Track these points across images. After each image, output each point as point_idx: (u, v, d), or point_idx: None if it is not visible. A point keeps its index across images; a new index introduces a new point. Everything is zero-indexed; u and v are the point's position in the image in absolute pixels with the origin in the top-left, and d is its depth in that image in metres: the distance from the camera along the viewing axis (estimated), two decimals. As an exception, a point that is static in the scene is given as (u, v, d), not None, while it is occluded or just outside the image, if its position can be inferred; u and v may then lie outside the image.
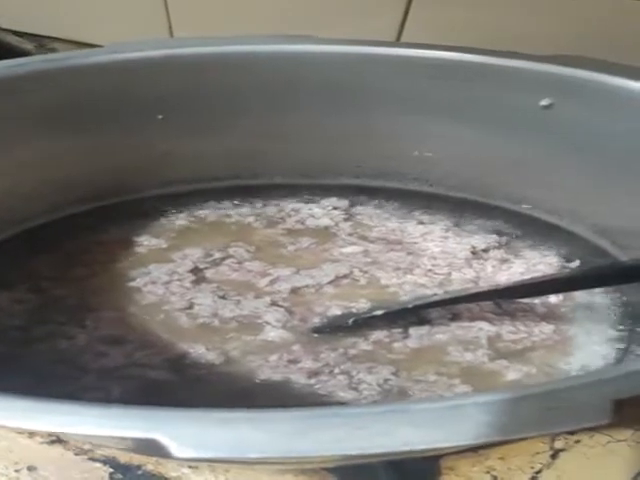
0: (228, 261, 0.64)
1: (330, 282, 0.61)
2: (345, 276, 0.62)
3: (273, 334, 0.56)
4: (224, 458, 0.33)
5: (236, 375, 0.52)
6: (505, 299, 0.59)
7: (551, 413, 0.34)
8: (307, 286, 0.61)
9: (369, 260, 0.64)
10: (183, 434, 0.33)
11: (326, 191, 0.73)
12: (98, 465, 0.46)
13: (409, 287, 0.61)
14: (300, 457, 0.34)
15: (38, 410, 0.34)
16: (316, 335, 0.56)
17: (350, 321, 0.56)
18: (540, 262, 0.64)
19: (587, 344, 0.56)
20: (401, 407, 0.35)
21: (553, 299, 0.60)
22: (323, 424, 0.34)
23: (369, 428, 0.33)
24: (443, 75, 0.69)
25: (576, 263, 0.64)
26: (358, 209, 0.72)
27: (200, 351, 0.54)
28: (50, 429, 0.34)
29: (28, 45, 1.00)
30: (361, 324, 0.56)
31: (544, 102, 0.67)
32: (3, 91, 0.66)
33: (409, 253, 0.65)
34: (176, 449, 0.32)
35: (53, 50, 0.99)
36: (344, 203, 0.72)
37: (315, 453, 0.33)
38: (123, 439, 0.34)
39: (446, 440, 0.33)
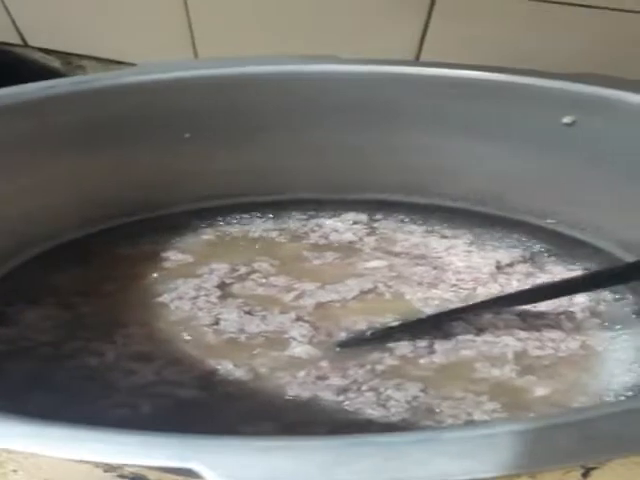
0: (254, 276, 0.64)
1: (355, 297, 0.62)
2: (370, 291, 0.62)
3: (299, 350, 0.56)
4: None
5: (265, 392, 0.52)
6: (515, 305, 0.59)
7: (590, 443, 0.34)
8: (332, 301, 0.61)
9: (394, 274, 0.64)
10: (221, 464, 0.33)
11: (349, 206, 0.74)
12: (128, 484, 0.46)
13: (434, 302, 0.61)
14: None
15: (75, 438, 0.34)
16: (341, 350, 0.56)
17: (369, 333, 0.57)
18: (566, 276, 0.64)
19: (614, 359, 0.56)
20: (435, 435, 0.35)
21: (579, 314, 0.60)
22: (359, 453, 0.33)
23: (404, 458, 0.33)
24: (465, 93, 0.70)
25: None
26: (382, 224, 0.72)
27: (228, 367, 0.54)
28: (86, 458, 0.34)
29: (55, 63, 1.01)
30: (383, 337, 0.56)
31: (566, 120, 0.67)
32: (35, 112, 0.68)
33: (434, 267, 0.65)
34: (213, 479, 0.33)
35: (80, 67, 1.00)
36: (367, 218, 0.73)
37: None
38: (160, 468, 0.34)
39: (483, 471, 0.32)
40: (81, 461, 0.34)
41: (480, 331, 0.58)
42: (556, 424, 0.35)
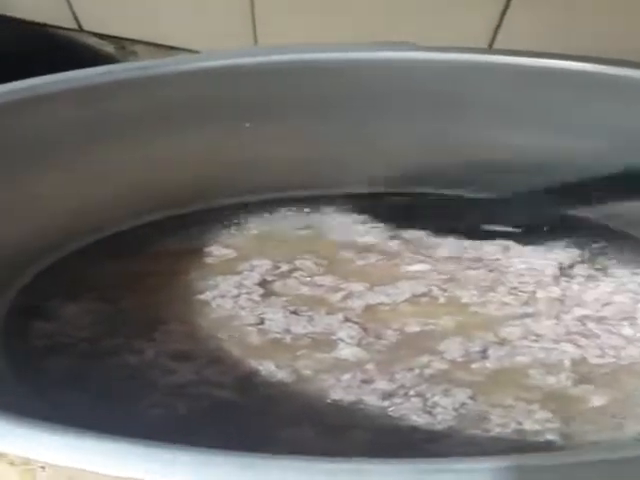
0: (296, 274, 0.62)
1: (406, 300, 0.59)
2: (423, 294, 0.60)
3: (347, 352, 0.54)
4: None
5: (307, 395, 0.51)
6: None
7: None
8: (382, 303, 0.59)
9: (446, 277, 0.62)
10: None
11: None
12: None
13: (493, 306, 0.59)
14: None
15: (121, 452, 0.33)
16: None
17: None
18: (630, 281, 0.61)
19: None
20: (511, 462, 0.33)
21: (642, 319, 0.57)
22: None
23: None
24: (551, 84, 0.67)
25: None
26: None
27: (270, 369, 0.52)
28: (137, 476, 0.33)
29: (109, 48, 1.01)
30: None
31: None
32: (88, 98, 0.67)
33: (490, 270, 0.63)
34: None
35: (134, 53, 0.99)
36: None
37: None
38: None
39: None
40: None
41: (538, 337, 0.55)
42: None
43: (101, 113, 0.67)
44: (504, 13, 0.81)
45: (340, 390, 0.51)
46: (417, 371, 0.52)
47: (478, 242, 0.66)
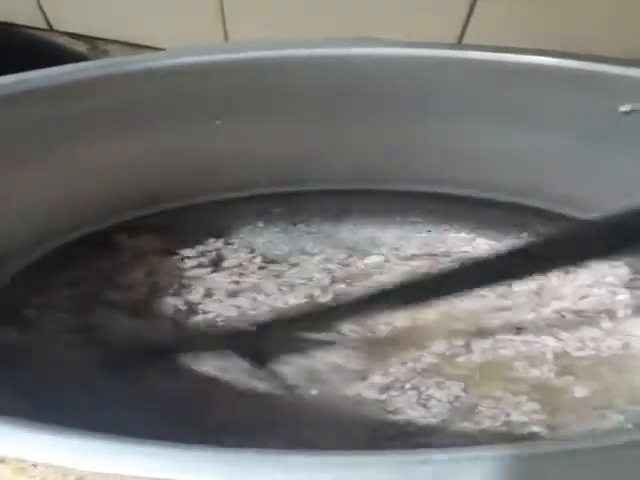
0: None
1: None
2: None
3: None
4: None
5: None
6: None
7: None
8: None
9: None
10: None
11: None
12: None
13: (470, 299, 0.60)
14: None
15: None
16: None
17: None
18: (609, 274, 0.62)
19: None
20: (497, 453, 0.33)
21: (620, 313, 0.58)
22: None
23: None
24: (515, 79, 0.67)
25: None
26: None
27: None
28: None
29: (81, 47, 1.00)
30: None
31: (624, 108, 0.64)
32: (57, 97, 0.66)
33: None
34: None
35: (106, 52, 0.98)
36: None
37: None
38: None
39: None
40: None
41: (519, 330, 0.57)
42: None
43: (71, 112, 0.66)
44: (472, 8, 0.82)
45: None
46: (410, 365, 0.54)
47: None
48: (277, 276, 0.63)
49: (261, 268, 0.64)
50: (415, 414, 0.50)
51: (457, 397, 0.51)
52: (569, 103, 0.66)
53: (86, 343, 0.56)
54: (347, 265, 0.64)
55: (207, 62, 0.70)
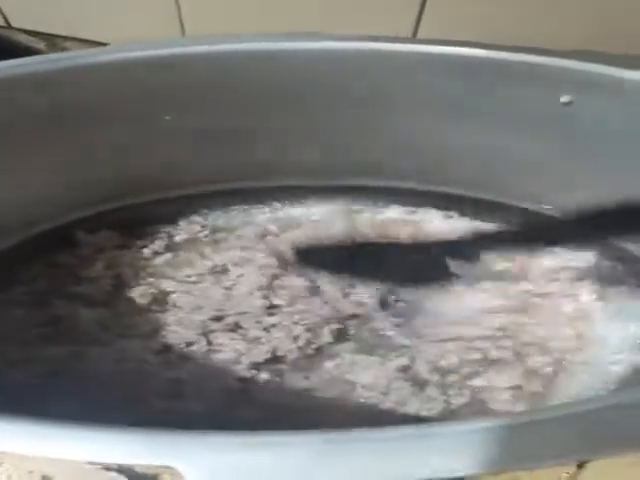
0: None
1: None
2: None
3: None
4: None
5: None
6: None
7: (585, 440, 0.33)
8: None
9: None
10: (198, 462, 0.32)
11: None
12: (113, 475, 0.45)
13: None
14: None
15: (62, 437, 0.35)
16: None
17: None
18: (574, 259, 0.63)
19: (612, 341, 0.55)
20: (424, 431, 0.34)
21: (584, 297, 0.59)
22: (342, 451, 0.32)
23: (393, 458, 0.32)
24: (461, 72, 0.67)
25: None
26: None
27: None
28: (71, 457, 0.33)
29: (39, 44, 0.99)
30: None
31: (564, 99, 0.65)
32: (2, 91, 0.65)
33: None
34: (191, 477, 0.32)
35: (65, 49, 0.98)
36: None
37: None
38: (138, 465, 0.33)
39: (475, 467, 0.31)
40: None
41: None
42: (552, 418, 0.34)
43: (25, 108, 0.65)
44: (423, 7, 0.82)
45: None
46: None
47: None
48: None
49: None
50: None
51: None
52: (517, 96, 0.67)
53: (52, 336, 0.56)
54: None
55: (152, 56, 0.68)
